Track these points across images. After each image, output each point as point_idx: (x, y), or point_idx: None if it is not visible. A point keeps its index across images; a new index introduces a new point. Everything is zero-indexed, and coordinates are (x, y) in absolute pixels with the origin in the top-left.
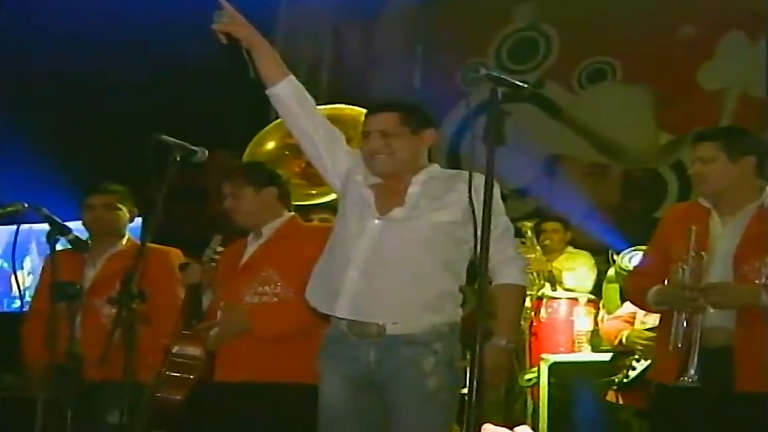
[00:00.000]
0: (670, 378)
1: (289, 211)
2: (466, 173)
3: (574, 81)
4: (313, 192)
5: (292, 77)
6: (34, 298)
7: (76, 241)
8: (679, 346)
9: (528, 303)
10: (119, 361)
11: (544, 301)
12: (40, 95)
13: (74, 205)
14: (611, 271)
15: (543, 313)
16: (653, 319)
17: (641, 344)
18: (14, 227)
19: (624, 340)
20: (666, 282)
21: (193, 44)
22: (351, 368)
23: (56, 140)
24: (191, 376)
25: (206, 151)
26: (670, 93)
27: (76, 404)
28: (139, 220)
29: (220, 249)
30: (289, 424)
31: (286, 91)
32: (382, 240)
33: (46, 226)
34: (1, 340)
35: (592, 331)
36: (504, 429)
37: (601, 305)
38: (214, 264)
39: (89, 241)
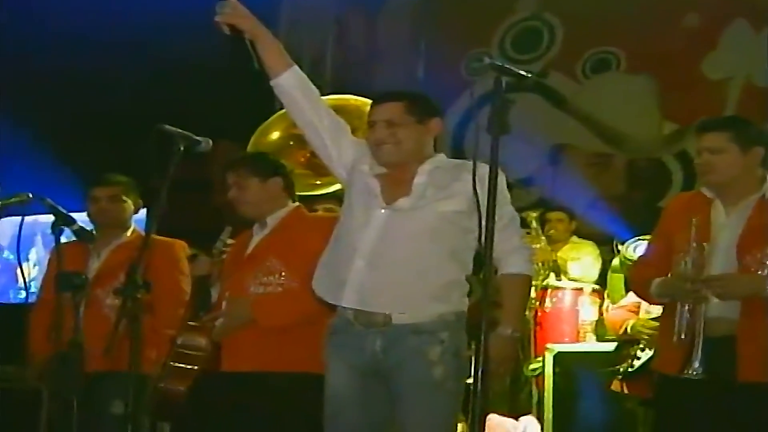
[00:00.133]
0: (674, 369)
1: (294, 201)
2: (471, 163)
3: (578, 71)
4: (318, 182)
5: (296, 68)
6: (40, 288)
7: (80, 232)
8: (682, 337)
9: (533, 293)
10: (122, 352)
11: (549, 290)
12: (44, 88)
13: (79, 196)
14: (616, 261)
15: (548, 302)
16: (658, 309)
17: (646, 333)
18: (20, 220)
19: (629, 329)
20: (670, 274)
21: (196, 36)
22: (357, 357)
23: (60, 132)
24: (195, 367)
25: (210, 142)
26: (674, 83)
27: (82, 394)
28: (144, 212)
29: (230, 241)
30: (294, 413)
31: (291, 82)
32: (389, 230)
33: (51, 218)
34: (8, 331)
35: (596, 321)
36: (509, 418)
37: (605, 295)
38: (223, 256)
39: (94, 233)
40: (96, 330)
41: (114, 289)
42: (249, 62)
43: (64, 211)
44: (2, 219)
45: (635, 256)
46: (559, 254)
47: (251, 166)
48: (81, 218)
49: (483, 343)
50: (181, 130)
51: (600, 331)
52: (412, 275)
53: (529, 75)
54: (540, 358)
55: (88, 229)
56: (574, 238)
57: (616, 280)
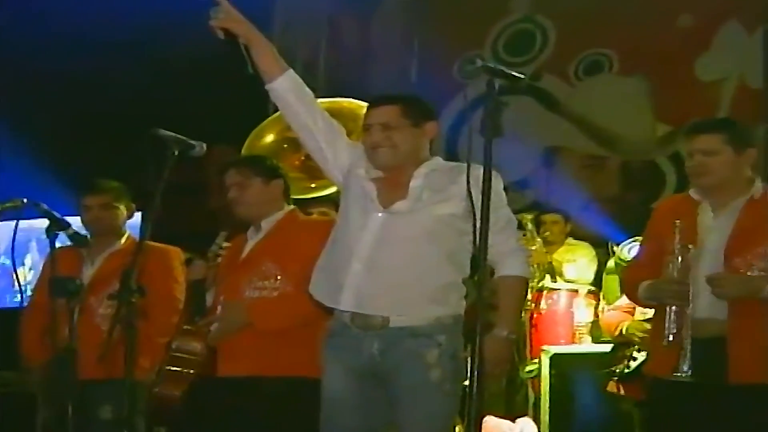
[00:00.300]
0: (665, 371)
1: (289, 204)
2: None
3: (571, 73)
4: (312, 185)
5: (291, 71)
6: (34, 291)
7: (75, 236)
8: (671, 339)
9: (528, 295)
10: (116, 360)
11: (545, 292)
12: (39, 92)
13: (74, 201)
14: (611, 263)
15: (543, 304)
16: (653, 311)
17: (641, 335)
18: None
19: (624, 331)
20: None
21: (191, 40)
22: (354, 360)
23: (55, 136)
24: (190, 371)
25: (204, 146)
26: (668, 84)
27: (76, 398)
28: (138, 216)
29: (225, 245)
30: (290, 418)
31: (285, 86)
32: (386, 233)
33: (46, 224)
34: (4, 336)
35: (592, 323)
36: (505, 420)
37: (601, 296)
38: (219, 260)
39: (89, 237)
40: (87, 339)
41: (108, 294)
42: (243, 66)
43: (59, 216)
44: None
45: (630, 257)
46: (554, 256)
47: (255, 166)
48: (76, 223)
49: (478, 344)
50: (175, 134)
51: (595, 332)
52: (410, 278)
53: (522, 77)
54: (536, 360)
55: (82, 233)
56: (570, 240)
57: (612, 281)
